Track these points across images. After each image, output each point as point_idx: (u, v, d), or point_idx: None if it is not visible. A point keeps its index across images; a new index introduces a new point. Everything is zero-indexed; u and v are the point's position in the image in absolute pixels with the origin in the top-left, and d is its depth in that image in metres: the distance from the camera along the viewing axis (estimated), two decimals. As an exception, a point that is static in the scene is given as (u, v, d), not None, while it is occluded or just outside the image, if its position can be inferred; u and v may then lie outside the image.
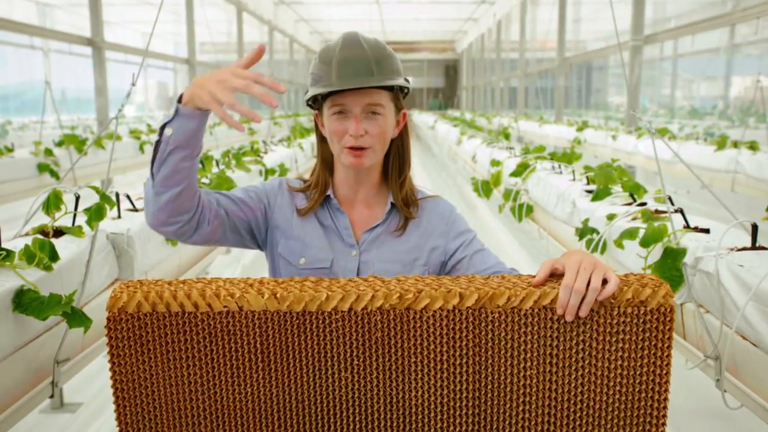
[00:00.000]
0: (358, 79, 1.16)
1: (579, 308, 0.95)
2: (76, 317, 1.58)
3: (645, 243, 1.92)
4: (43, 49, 12.03)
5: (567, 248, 2.96)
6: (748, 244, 1.76)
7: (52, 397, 1.73)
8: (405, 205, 1.31)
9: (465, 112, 20.33)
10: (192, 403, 1.01)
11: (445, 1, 18.34)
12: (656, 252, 1.90)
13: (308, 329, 0.98)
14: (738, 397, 1.61)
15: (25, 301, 1.51)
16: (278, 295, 0.97)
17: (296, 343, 0.99)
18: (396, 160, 1.32)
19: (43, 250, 1.65)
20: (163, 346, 0.99)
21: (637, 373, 0.97)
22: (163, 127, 1.07)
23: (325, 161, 1.33)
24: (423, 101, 31.57)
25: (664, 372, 0.98)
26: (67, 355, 1.74)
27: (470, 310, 0.97)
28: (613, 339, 0.96)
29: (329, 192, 1.30)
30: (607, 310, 0.96)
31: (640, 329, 0.96)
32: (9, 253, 1.58)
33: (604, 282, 0.96)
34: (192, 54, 9.95)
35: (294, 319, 0.98)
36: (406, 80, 1.27)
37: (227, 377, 1.00)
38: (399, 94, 1.26)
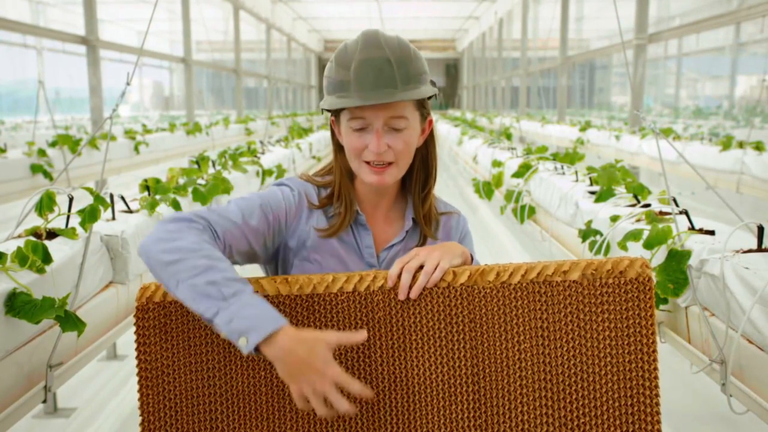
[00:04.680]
0: (379, 92, 1.06)
1: (411, 288, 1.02)
2: (70, 321, 1.56)
3: (649, 245, 1.89)
4: (36, 48, 12.02)
5: (570, 250, 2.94)
6: (754, 246, 1.74)
7: (44, 402, 1.71)
8: (426, 221, 1.22)
9: (466, 111, 20.31)
10: (210, 389, 1.06)
11: (446, -1, 18.31)
12: (661, 254, 1.88)
13: (316, 311, 1.06)
14: (744, 402, 1.59)
15: (17, 304, 1.49)
16: (289, 279, 1.06)
17: (305, 325, 1.05)
18: (420, 172, 1.21)
19: (35, 253, 1.62)
20: (186, 332, 1.06)
21: (624, 342, 1.03)
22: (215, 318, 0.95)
23: (346, 172, 1.21)
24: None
25: (650, 341, 1.03)
26: (60, 360, 1.72)
27: (463, 287, 1.04)
28: (598, 309, 1.03)
29: (356, 207, 1.20)
30: (590, 281, 1.03)
31: (622, 299, 1.03)
32: (1, 256, 1.56)
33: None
34: (188, 53, 9.90)
35: (303, 301, 1.05)
36: (433, 83, 1.17)
37: (243, 361, 1.06)
38: (425, 100, 1.16)
